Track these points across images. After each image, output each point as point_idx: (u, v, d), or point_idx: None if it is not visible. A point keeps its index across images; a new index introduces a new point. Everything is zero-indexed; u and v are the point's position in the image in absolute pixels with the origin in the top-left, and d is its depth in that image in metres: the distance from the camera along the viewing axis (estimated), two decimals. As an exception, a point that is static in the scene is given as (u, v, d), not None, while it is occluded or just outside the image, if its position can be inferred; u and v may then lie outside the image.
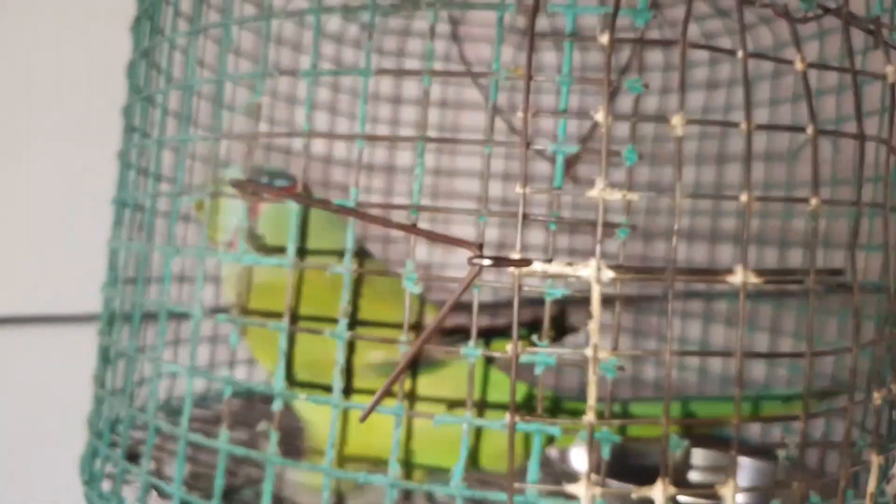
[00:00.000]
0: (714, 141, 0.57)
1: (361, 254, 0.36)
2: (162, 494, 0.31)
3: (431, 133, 0.50)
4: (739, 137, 0.25)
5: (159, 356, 0.30)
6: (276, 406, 0.26)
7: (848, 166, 0.46)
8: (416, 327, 0.32)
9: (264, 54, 0.28)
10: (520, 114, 0.23)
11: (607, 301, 0.24)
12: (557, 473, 0.35)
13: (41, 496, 0.52)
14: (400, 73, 0.25)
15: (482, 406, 0.31)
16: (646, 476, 0.24)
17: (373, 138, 0.25)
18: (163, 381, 0.47)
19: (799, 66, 0.26)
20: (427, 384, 0.31)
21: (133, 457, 0.36)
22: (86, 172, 0.53)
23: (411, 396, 0.31)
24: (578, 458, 0.37)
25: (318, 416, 0.33)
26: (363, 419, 0.25)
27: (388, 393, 0.24)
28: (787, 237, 0.52)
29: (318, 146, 0.56)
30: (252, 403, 0.51)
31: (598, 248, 0.23)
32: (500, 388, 0.32)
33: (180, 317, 0.47)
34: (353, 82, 0.56)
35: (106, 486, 0.34)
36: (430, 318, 0.34)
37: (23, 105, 0.53)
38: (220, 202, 0.34)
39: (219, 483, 0.28)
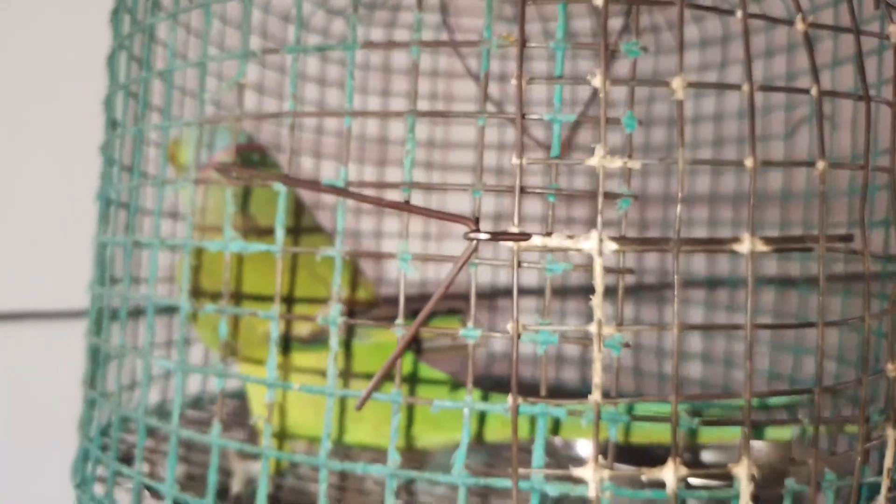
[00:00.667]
0: (711, 99, 0.56)
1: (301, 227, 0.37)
2: (155, 495, 0.30)
3: (423, 104, 0.50)
4: (736, 94, 0.24)
5: (149, 353, 0.29)
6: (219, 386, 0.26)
7: (845, 146, 0.45)
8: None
9: (245, 31, 0.27)
10: (513, 81, 0.22)
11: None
12: (562, 461, 0.34)
13: (32, 499, 0.51)
14: (387, 47, 0.24)
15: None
16: (653, 463, 0.23)
17: (361, 114, 0.24)
18: (156, 384, 0.46)
19: (800, 25, 0.25)
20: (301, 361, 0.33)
21: (126, 460, 0.35)
22: (76, 167, 0.52)
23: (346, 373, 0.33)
24: (584, 448, 0.36)
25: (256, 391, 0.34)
26: (359, 407, 0.24)
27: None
28: (786, 216, 0.51)
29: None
30: (247, 405, 0.50)
31: (599, 220, 0.22)
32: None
33: (171, 314, 0.47)
34: (343, 53, 0.56)
35: (98, 489, 0.33)
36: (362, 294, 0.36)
37: (12, 100, 0.52)
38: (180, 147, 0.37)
39: (212, 479, 0.27)
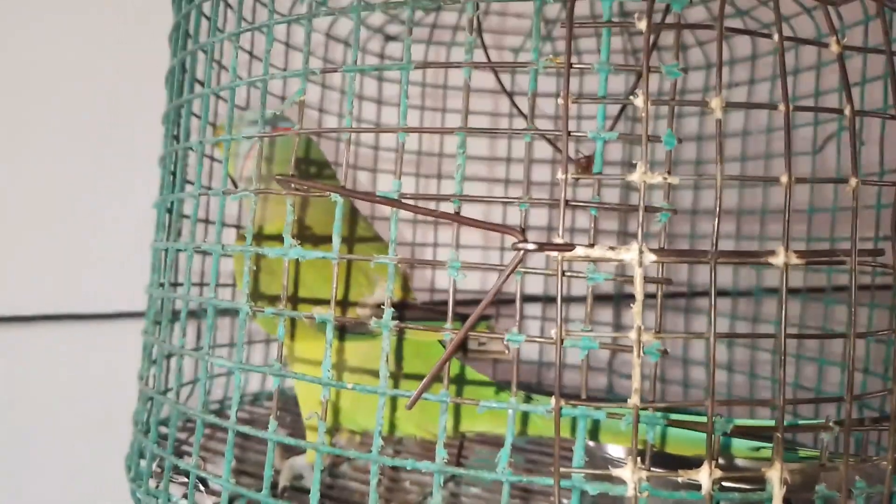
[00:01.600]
0: (738, 115, 0.57)
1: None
2: (207, 488, 0.32)
3: (479, 119, 0.51)
4: (762, 112, 0.25)
5: (208, 352, 0.30)
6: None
7: (874, 160, 0.46)
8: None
9: (305, 53, 0.28)
10: (559, 101, 0.24)
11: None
12: (598, 462, 0.35)
13: (87, 493, 0.53)
14: (442, 66, 0.26)
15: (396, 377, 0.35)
16: (686, 468, 0.24)
17: (414, 130, 0.26)
18: (214, 384, 0.48)
19: (835, 48, 0.26)
20: (352, 350, 0.35)
21: (177, 456, 0.37)
22: (129, 176, 0.54)
23: (339, 365, 0.35)
24: (616, 451, 0.38)
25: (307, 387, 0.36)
26: (410, 406, 0.25)
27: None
28: (813, 230, 0.52)
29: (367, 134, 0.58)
30: (290, 407, 0.52)
31: (640, 232, 0.24)
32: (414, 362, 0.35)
33: (233, 319, 0.49)
34: (399, 73, 0.58)
35: (151, 483, 0.35)
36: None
37: (66, 109, 0.54)
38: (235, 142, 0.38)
39: (267, 474, 0.28)
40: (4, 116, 0.53)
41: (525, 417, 0.32)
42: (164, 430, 0.42)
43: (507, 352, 0.26)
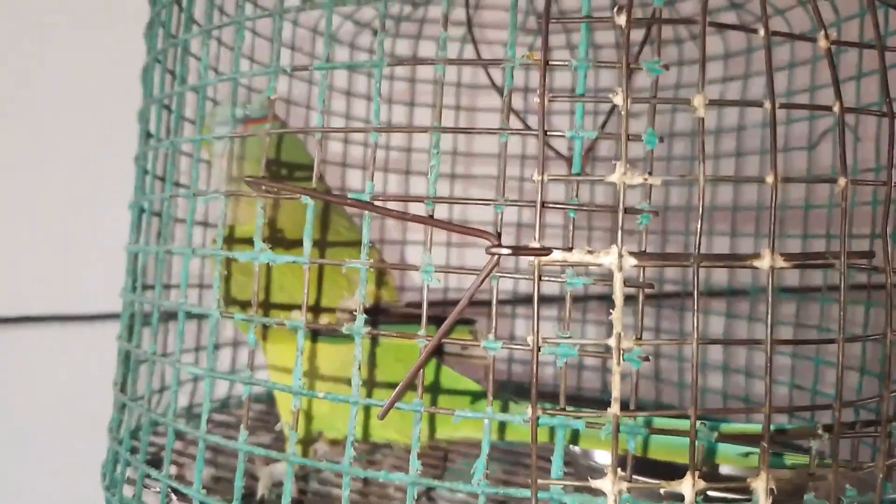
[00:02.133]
0: (734, 110, 0.56)
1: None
2: (182, 498, 0.31)
3: (448, 115, 0.50)
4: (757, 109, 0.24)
5: (178, 359, 0.30)
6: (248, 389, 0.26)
7: (869, 157, 0.45)
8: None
9: (276, 49, 0.27)
10: (535, 98, 0.23)
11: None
12: (581, 470, 0.34)
13: (86, 494, 0.53)
14: (413, 63, 0.25)
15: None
16: (672, 475, 0.24)
17: (388, 130, 0.25)
18: (185, 388, 0.48)
19: (823, 43, 0.25)
20: (329, 354, 0.34)
21: (154, 462, 0.36)
22: (106, 175, 0.53)
23: (315, 369, 0.34)
24: (603, 457, 0.37)
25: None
26: (382, 416, 0.25)
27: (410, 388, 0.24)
28: (809, 227, 0.51)
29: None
30: (274, 409, 0.51)
31: (619, 235, 0.23)
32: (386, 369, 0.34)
33: (201, 320, 0.48)
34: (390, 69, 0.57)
35: (127, 491, 0.34)
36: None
37: (45, 109, 0.54)
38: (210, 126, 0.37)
39: (238, 484, 0.27)
40: (3, 117, 0.52)
41: (503, 423, 0.31)
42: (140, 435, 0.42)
43: (487, 357, 0.25)
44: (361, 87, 0.58)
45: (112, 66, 0.54)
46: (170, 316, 0.38)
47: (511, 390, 0.38)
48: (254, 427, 0.48)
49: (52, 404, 0.54)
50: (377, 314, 0.36)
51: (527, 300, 0.62)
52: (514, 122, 0.60)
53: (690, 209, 0.58)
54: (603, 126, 0.38)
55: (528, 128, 0.53)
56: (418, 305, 0.25)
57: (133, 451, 0.34)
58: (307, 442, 0.37)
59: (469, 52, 0.57)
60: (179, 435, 0.39)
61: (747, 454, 0.29)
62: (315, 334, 0.34)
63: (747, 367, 0.54)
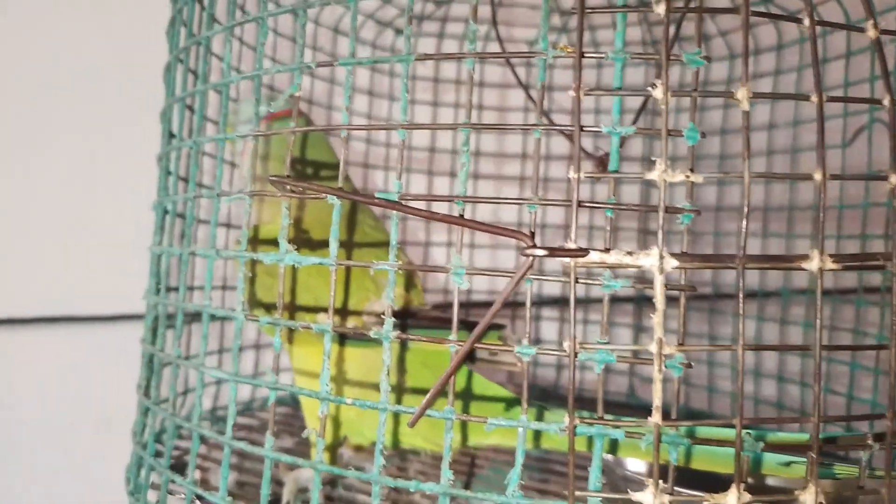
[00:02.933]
0: (764, 107, 0.54)
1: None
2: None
3: (474, 114, 0.49)
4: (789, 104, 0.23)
5: (202, 363, 0.29)
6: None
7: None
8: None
9: (300, 46, 0.27)
10: (570, 93, 0.22)
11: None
12: (616, 480, 0.33)
13: (86, 496, 0.53)
14: (443, 58, 0.24)
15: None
16: (713, 485, 0.23)
17: (416, 127, 0.24)
18: (208, 389, 0.47)
19: (871, 33, 0.24)
20: (356, 357, 0.33)
21: (179, 467, 0.36)
22: (121, 176, 0.53)
23: (342, 374, 0.34)
24: (635, 465, 0.35)
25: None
26: (412, 424, 0.24)
27: (441, 392, 0.23)
28: (843, 227, 0.49)
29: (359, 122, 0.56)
30: (298, 411, 0.50)
31: (660, 235, 0.22)
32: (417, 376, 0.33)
33: (223, 321, 0.48)
34: (391, 65, 0.56)
35: (151, 496, 0.34)
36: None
37: (65, 108, 0.53)
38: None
39: (265, 492, 0.27)
40: (3, 117, 0.52)
41: (538, 431, 0.30)
42: (170, 437, 0.41)
43: (518, 363, 0.24)
44: (383, 88, 0.57)
45: (131, 65, 0.53)
46: (192, 318, 0.38)
47: (535, 395, 0.37)
48: (277, 431, 0.48)
49: (49, 407, 0.53)
50: (405, 317, 0.35)
51: (551, 302, 0.60)
52: (515, 119, 0.59)
53: (721, 209, 0.57)
54: (634, 122, 0.37)
55: (551, 124, 0.52)
56: (442, 307, 0.24)
57: (157, 454, 0.33)
58: (334, 447, 0.36)
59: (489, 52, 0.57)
60: (203, 438, 0.38)
61: (789, 463, 0.28)
62: (342, 338, 0.33)
63: (779, 372, 0.53)
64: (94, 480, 0.52)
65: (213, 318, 0.29)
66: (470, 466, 0.42)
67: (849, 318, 0.50)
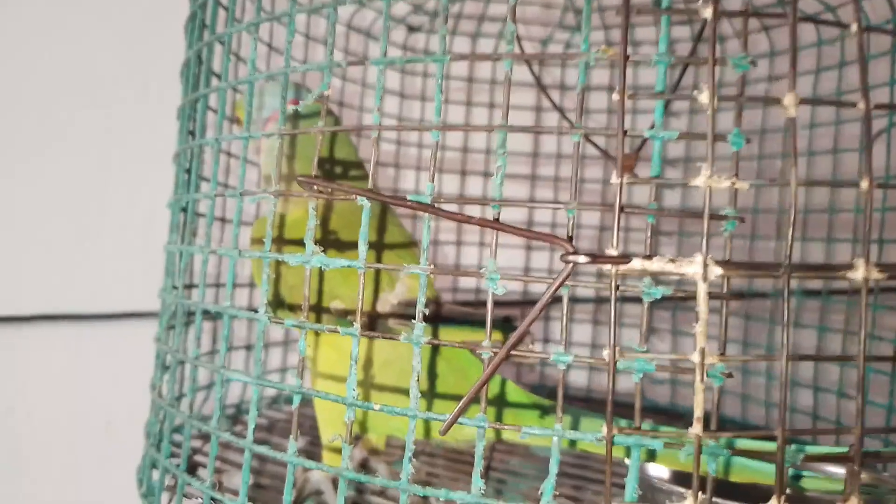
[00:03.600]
0: (804, 107, 0.53)
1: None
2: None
3: (481, 113, 0.48)
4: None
5: (224, 364, 0.28)
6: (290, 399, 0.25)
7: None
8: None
9: (330, 44, 0.26)
10: (614, 97, 0.21)
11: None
12: (645, 487, 0.33)
13: (87, 496, 0.52)
14: (479, 58, 0.23)
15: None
16: (750, 497, 0.22)
17: (450, 129, 0.23)
18: (231, 386, 0.46)
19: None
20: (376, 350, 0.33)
21: (191, 467, 0.35)
22: (135, 174, 0.52)
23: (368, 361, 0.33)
24: (656, 470, 0.35)
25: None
26: (443, 432, 0.23)
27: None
28: (885, 231, 0.48)
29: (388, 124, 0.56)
30: (309, 410, 0.49)
31: (704, 243, 0.21)
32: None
33: (233, 319, 0.47)
34: (422, 66, 0.56)
35: (163, 499, 0.33)
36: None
37: (73, 105, 0.53)
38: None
39: (287, 499, 0.26)
40: (10, 115, 0.51)
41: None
42: (178, 437, 0.41)
43: (528, 356, 0.23)
44: (414, 88, 0.57)
45: (146, 60, 0.53)
46: (190, 318, 0.37)
47: (544, 394, 0.37)
48: (286, 430, 0.47)
49: (52, 405, 0.53)
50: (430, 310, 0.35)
51: (586, 301, 0.60)
52: (549, 120, 0.59)
53: (757, 212, 0.56)
54: (652, 126, 0.37)
55: (572, 126, 0.52)
56: (469, 304, 0.24)
57: (171, 455, 0.33)
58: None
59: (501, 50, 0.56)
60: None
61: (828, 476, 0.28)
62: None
63: (815, 381, 0.51)
64: (101, 480, 0.51)
65: (217, 316, 0.28)
66: (489, 460, 0.41)
67: (890, 326, 0.49)
